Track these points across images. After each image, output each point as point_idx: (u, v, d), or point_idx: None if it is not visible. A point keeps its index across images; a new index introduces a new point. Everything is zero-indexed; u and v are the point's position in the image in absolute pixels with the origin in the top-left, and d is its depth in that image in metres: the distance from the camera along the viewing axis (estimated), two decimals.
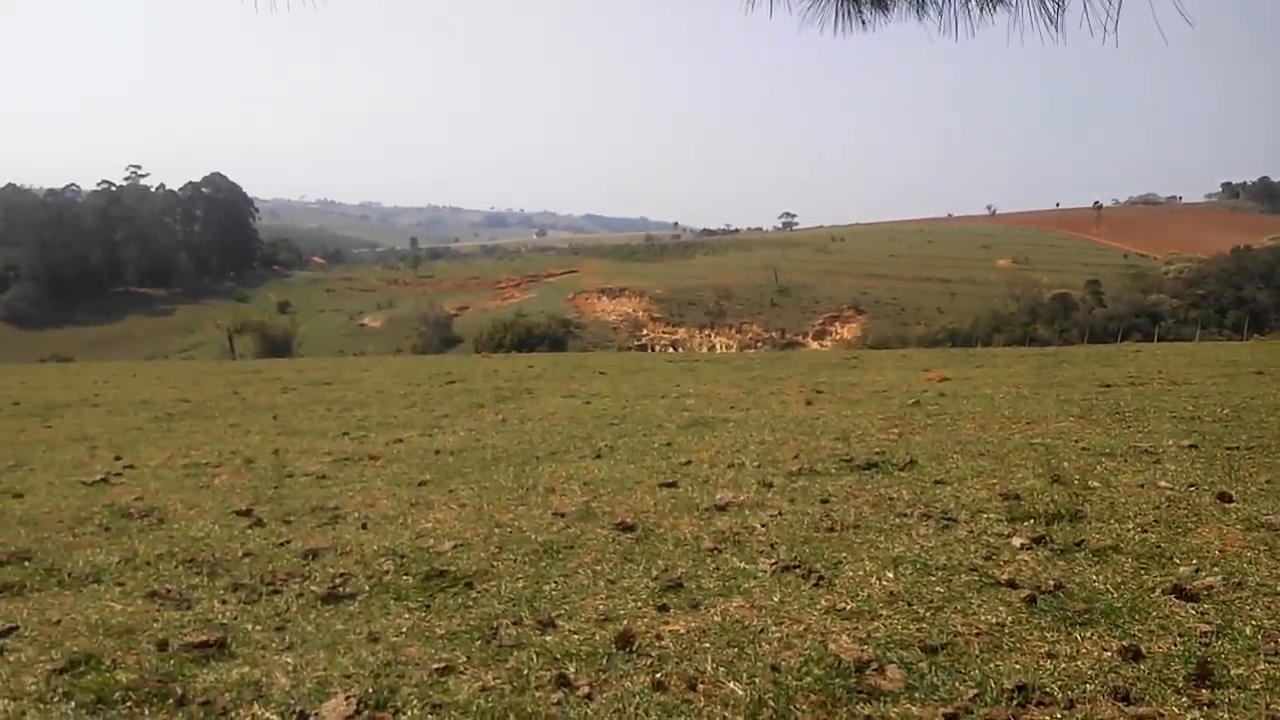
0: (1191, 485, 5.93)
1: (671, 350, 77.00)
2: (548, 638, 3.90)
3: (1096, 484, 6.10)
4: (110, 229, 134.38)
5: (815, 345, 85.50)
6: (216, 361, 41.91)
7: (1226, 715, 3.04)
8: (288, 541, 5.64)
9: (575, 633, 3.95)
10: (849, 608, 4.09)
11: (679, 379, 16.70)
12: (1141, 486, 5.97)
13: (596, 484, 6.96)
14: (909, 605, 4.08)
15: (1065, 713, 3.10)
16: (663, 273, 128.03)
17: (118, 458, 9.43)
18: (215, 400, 16.14)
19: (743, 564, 4.79)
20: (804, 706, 3.22)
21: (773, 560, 4.78)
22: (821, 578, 4.48)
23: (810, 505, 5.95)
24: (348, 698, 3.34)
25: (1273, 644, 3.47)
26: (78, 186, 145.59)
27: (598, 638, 3.87)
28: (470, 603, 4.41)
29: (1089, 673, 3.35)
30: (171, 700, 3.43)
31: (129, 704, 3.42)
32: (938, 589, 4.27)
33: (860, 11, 4.13)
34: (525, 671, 3.57)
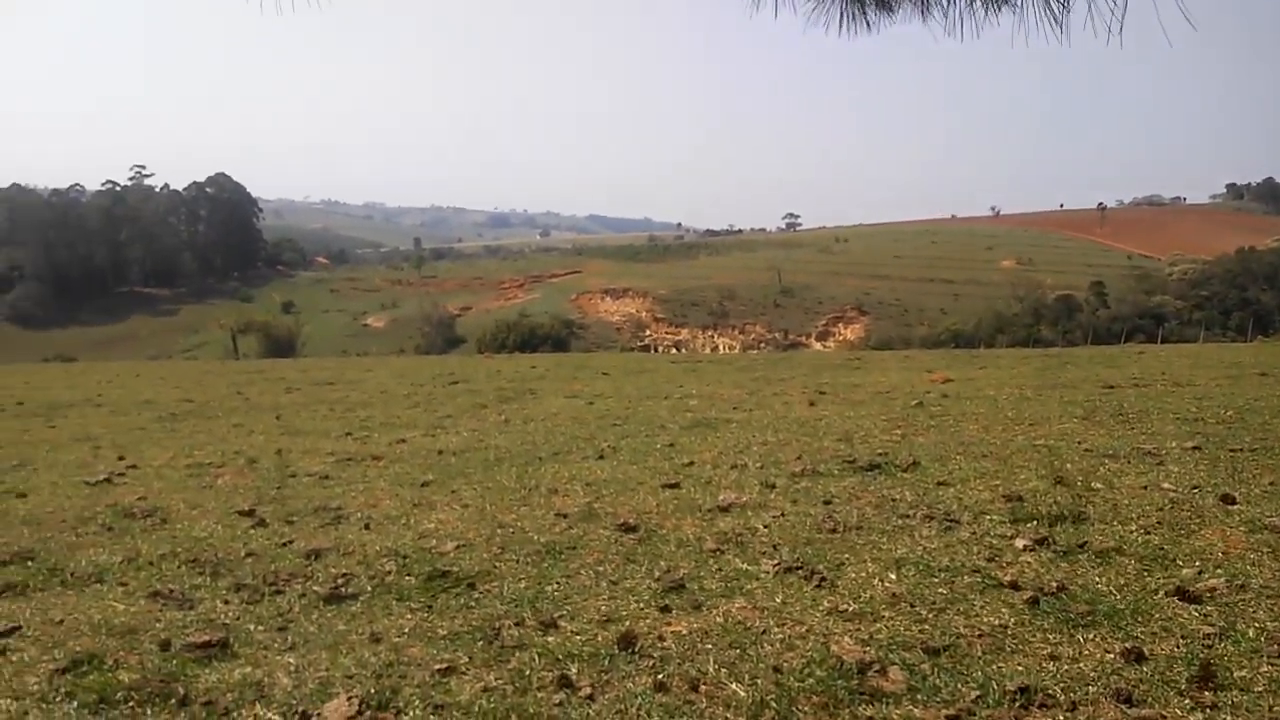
0: (1195, 487, 5.92)
1: (674, 351, 77.02)
2: (550, 638, 3.90)
3: (1100, 486, 6.09)
4: (115, 229, 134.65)
5: (818, 346, 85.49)
6: (220, 361, 41.96)
7: (1229, 717, 3.04)
8: (290, 542, 5.65)
9: (577, 633, 3.95)
10: (851, 609, 4.08)
11: (682, 380, 16.70)
12: (1145, 488, 5.96)
13: (599, 485, 6.96)
14: (911, 607, 4.08)
15: (1068, 715, 3.10)
16: (666, 273, 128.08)
17: (121, 458, 9.44)
18: (219, 400, 16.16)
19: (745, 565, 4.79)
20: (806, 708, 3.21)
21: (775, 561, 4.77)
22: (824, 579, 4.48)
23: (813, 506, 5.95)
24: (350, 698, 3.34)
25: (1276, 646, 3.46)
26: (82, 186, 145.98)
27: (600, 638, 3.86)
28: (472, 603, 4.41)
29: (1091, 675, 3.35)
30: (174, 700, 3.43)
31: (131, 704, 3.43)
32: (940, 590, 4.26)
33: (865, 13, 4.12)
34: (527, 672, 3.57)
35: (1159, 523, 5.17)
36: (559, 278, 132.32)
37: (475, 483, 7.31)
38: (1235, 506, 5.41)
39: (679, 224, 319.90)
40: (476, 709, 3.29)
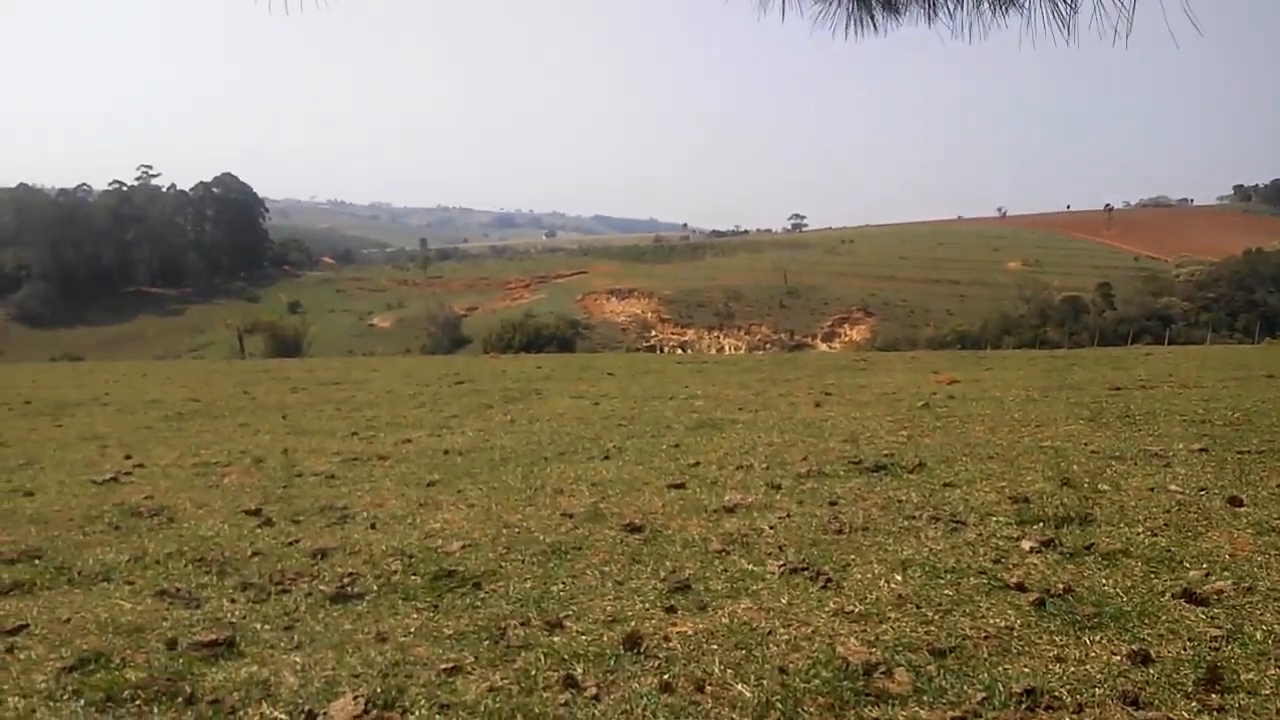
0: (1202, 489, 5.90)
1: (680, 351, 77.03)
2: (555, 638, 3.90)
3: (1106, 487, 6.08)
4: (121, 229, 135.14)
5: (824, 347, 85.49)
6: (226, 361, 42.07)
7: None
8: (296, 541, 5.65)
9: (583, 634, 3.95)
10: (857, 610, 4.08)
11: (687, 380, 16.70)
12: (1151, 490, 5.95)
13: (605, 485, 6.96)
14: (917, 608, 4.07)
15: (1074, 717, 3.09)
16: (672, 274, 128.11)
17: (128, 457, 9.46)
18: (225, 400, 16.20)
19: (751, 566, 4.79)
20: (812, 709, 3.21)
21: (781, 562, 4.77)
22: (830, 580, 4.47)
23: (819, 507, 5.94)
24: (356, 697, 3.34)
25: None
26: (89, 186, 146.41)
27: (605, 639, 3.86)
28: (478, 603, 4.41)
29: (1098, 677, 3.34)
30: (180, 699, 3.44)
31: (138, 702, 3.43)
32: (946, 592, 4.25)
33: (871, 15, 4.12)
34: (533, 672, 3.57)
35: (1166, 525, 5.15)
36: (565, 278, 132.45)
37: (481, 483, 7.32)
38: (1242, 508, 5.40)
39: (685, 224, 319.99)
40: (482, 708, 3.29)
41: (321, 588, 4.70)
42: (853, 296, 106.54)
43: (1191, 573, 4.34)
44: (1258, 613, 3.83)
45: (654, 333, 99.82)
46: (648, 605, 4.27)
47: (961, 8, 3.92)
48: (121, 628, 4.20)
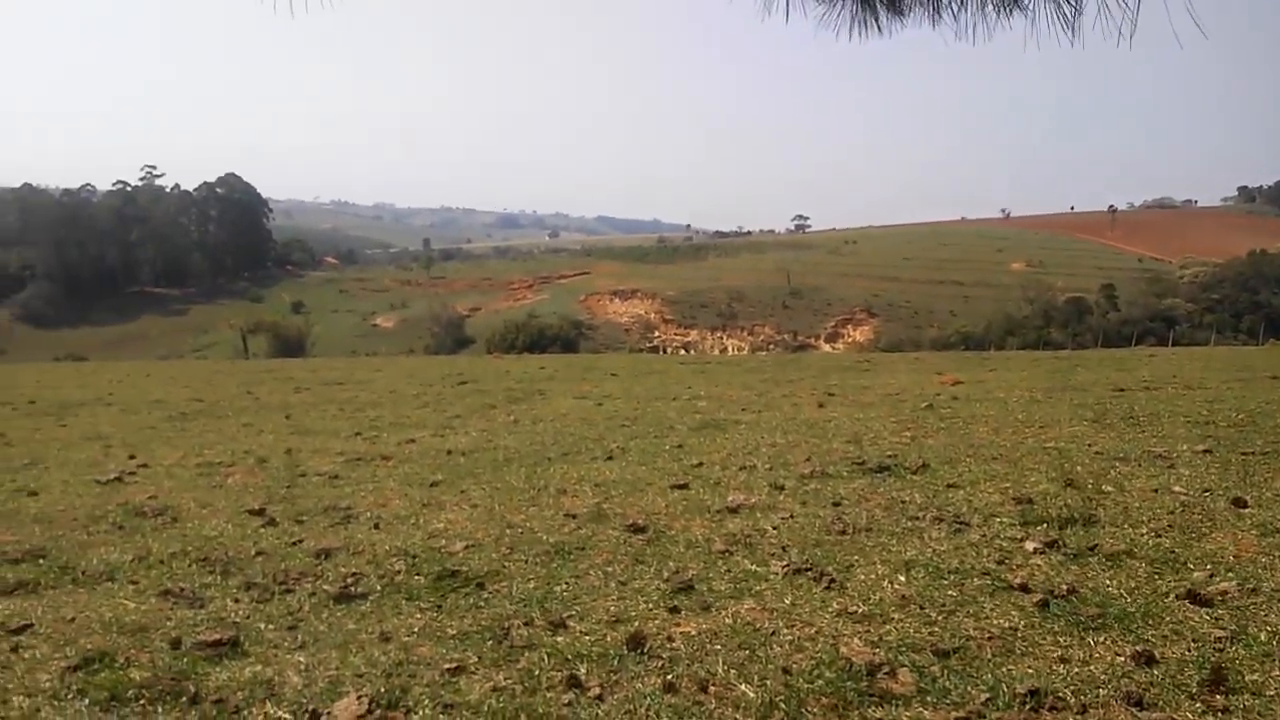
0: (1206, 490, 5.89)
1: (683, 352, 77.02)
2: (559, 638, 3.90)
3: (1110, 488, 6.07)
4: (125, 229, 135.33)
5: (827, 348, 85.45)
6: (230, 361, 42.14)
7: None
8: (300, 541, 5.66)
9: (586, 634, 3.95)
10: (861, 611, 4.08)
11: (691, 381, 16.70)
12: (1155, 491, 5.94)
13: (608, 485, 6.96)
14: (921, 609, 4.07)
15: (1078, 718, 3.09)
16: (675, 274, 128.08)
17: (132, 456, 9.48)
18: (229, 400, 16.22)
19: (754, 566, 4.79)
20: (815, 709, 3.21)
21: (784, 563, 4.77)
22: (833, 580, 4.47)
23: (822, 508, 5.94)
24: (359, 697, 3.35)
25: None
26: (93, 186, 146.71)
27: (609, 639, 3.86)
28: (482, 603, 4.41)
29: (1102, 678, 3.33)
30: (184, 698, 3.44)
31: (142, 702, 3.44)
32: (950, 593, 4.25)
33: (875, 17, 4.12)
34: (536, 672, 3.57)
35: (1170, 526, 5.15)
36: (568, 279, 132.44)
37: (484, 483, 7.32)
38: (1247, 510, 5.39)
39: (688, 225, 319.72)
40: (486, 708, 3.30)
41: (325, 588, 4.71)
42: (856, 297, 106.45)
43: (1196, 574, 4.34)
44: (1262, 614, 3.83)
45: (657, 333, 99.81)
46: (651, 605, 4.27)
47: (965, 9, 3.92)
48: (126, 627, 4.21)
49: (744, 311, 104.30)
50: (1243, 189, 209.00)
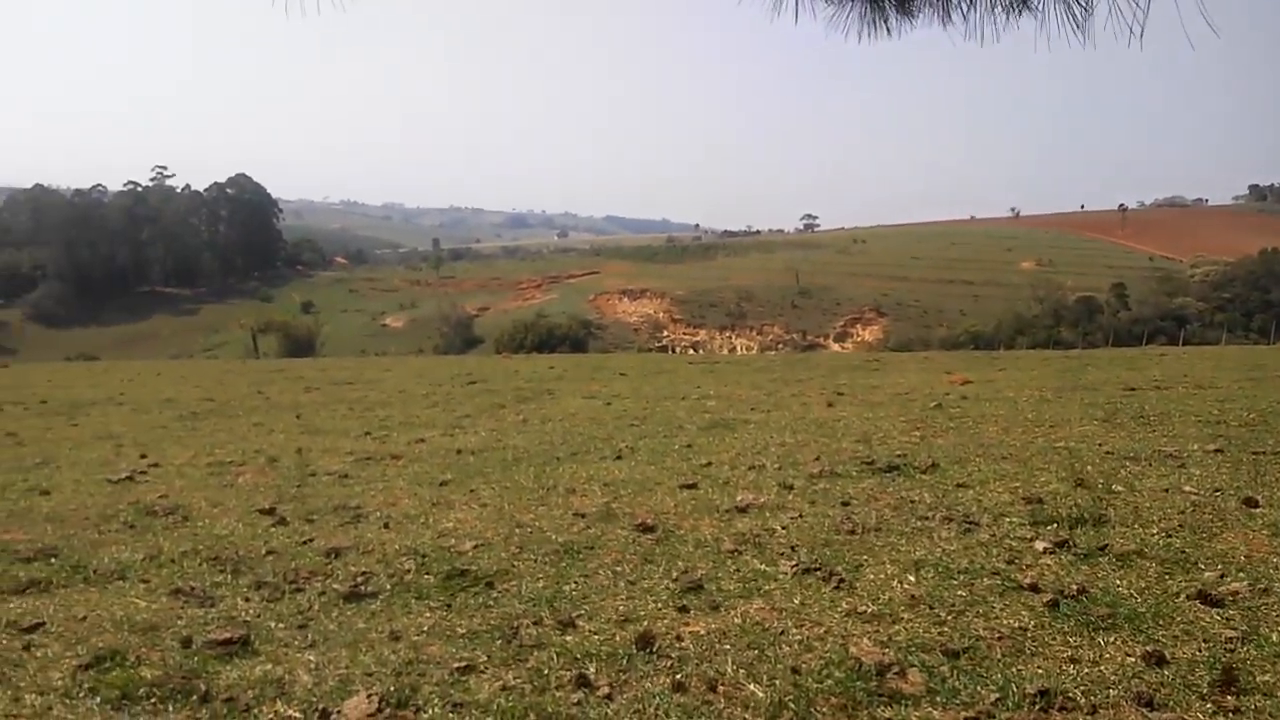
0: (1217, 490, 5.87)
1: (692, 352, 77.01)
2: (568, 638, 3.91)
3: (1120, 488, 6.05)
4: (136, 229, 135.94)
5: (836, 347, 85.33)
6: (240, 361, 42.25)
7: None
8: (310, 540, 5.68)
9: (595, 633, 3.95)
10: (870, 611, 4.07)
11: (700, 380, 16.69)
12: (1166, 491, 5.92)
13: (617, 485, 6.96)
14: (930, 609, 4.06)
15: (1088, 718, 3.08)
16: (684, 274, 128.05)
17: (143, 456, 9.52)
18: (239, 399, 16.27)
19: (763, 566, 4.79)
20: (824, 709, 3.21)
21: (793, 562, 4.77)
22: (842, 580, 4.47)
23: (831, 508, 5.93)
24: (369, 695, 3.36)
25: None
26: (104, 187, 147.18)
27: (618, 638, 3.87)
28: (491, 602, 4.42)
29: (1112, 678, 3.33)
30: (195, 697, 3.46)
31: (153, 700, 3.46)
32: (959, 592, 4.25)
33: (885, 17, 4.12)
34: (546, 671, 3.58)
35: (1180, 526, 5.13)
36: (577, 278, 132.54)
37: (493, 482, 7.33)
38: (1258, 510, 5.37)
39: (696, 225, 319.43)
40: (495, 707, 3.30)
41: (335, 586, 4.72)
42: (865, 297, 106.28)
43: (1206, 574, 4.32)
44: (1273, 614, 3.81)
45: (666, 333, 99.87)
46: (660, 605, 4.27)
47: (975, 10, 3.92)
48: (137, 626, 4.23)
49: (753, 311, 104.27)
50: (1254, 187, 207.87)
